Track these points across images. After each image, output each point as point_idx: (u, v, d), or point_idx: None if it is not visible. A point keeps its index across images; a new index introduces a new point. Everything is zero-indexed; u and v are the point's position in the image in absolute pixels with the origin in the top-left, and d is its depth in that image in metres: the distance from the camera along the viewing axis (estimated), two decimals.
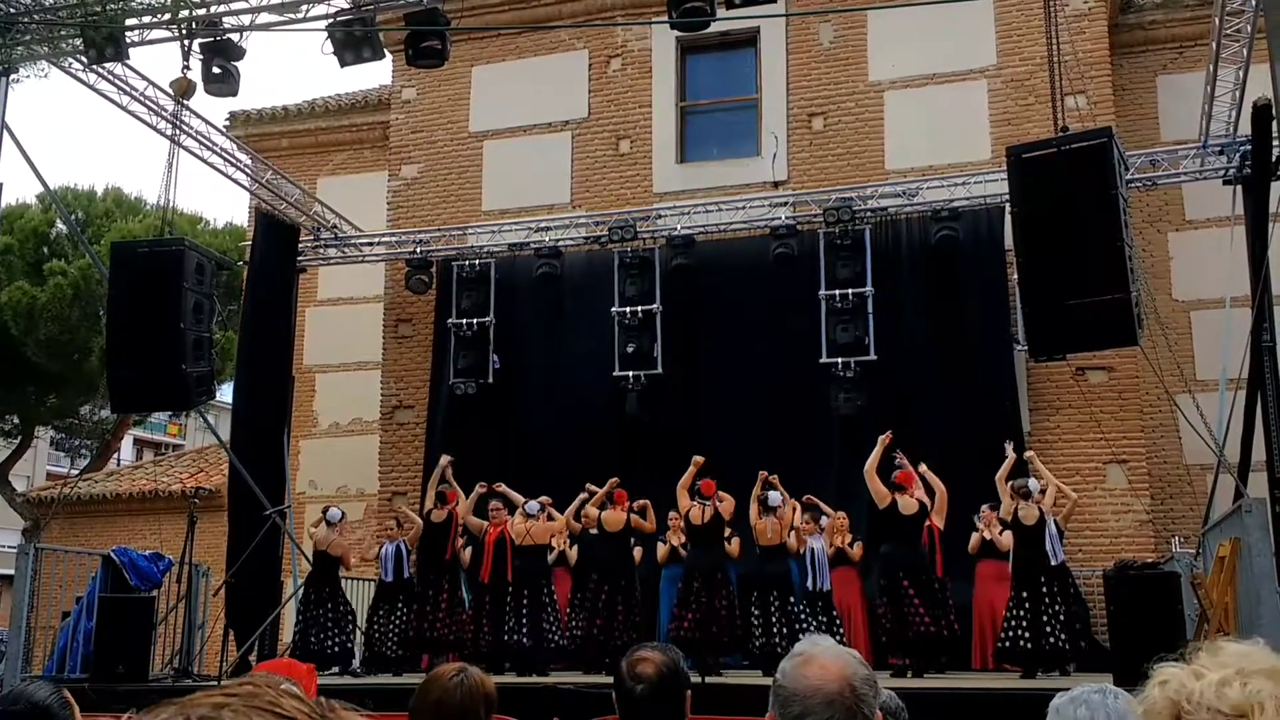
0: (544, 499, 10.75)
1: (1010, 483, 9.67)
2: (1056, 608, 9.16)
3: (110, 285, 11.53)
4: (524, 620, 9.99)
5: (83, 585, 10.91)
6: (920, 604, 9.31)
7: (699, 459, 10.09)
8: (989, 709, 7.58)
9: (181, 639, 11.09)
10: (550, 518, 10.68)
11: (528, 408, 13.28)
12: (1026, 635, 9.12)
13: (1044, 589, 9.22)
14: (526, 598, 10.08)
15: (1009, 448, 10.10)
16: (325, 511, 11.09)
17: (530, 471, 12.03)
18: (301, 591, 11.02)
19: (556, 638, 10.07)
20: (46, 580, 10.63)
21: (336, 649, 10.62)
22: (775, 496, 9.93)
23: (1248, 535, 7.99)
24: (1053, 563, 9.41)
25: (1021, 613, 9.20)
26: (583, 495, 10.65)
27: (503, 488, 10.87)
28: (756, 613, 9.63)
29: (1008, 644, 9.30)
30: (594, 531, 10.48)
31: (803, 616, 9.64)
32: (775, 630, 9.46)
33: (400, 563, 10.97)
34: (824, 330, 12.12)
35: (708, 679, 8.08)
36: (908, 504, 9.60)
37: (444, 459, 11.13)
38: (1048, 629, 9.07)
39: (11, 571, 10.82)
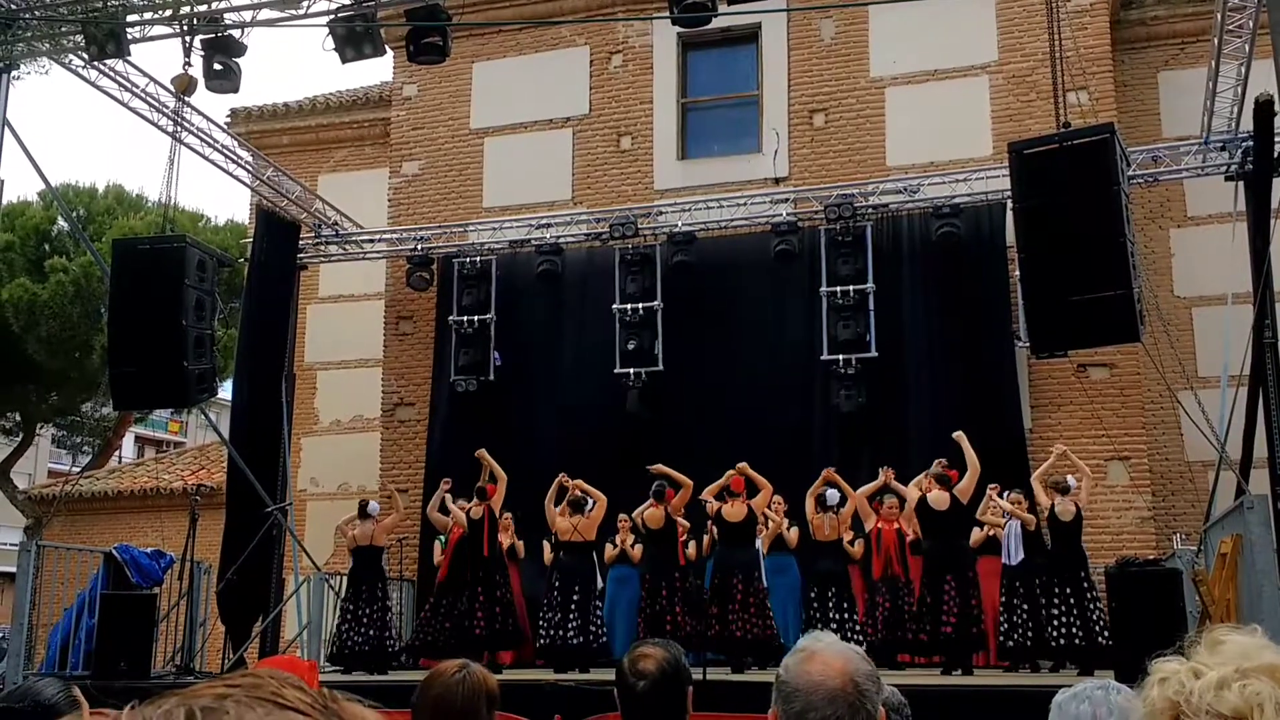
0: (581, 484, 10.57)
1: (1049, 478, 9.62)
2: (1096, 605, 9.11)
3: (112, 282, 11.53)
4: (573, 618, 9.83)
5: (84, 583, 10.90)
6: (958, 601, 9.30)
7: (736, 476, 9.95)
8: (989, 706, 7.58)
9: (183, 636, 11.10)
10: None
11: (529, 405, 13.28)
12: (1079, 634, 9.01)
13: (1085, 585, 9.16)
14: (577, 594, 9.93)
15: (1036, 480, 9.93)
16: (364, 506, 10.98)
17: (531, 468, 12.02)
18: (344, 589, 10.97)
19: (597, 635, 9.91)
20: (48, 578, 10.63)
21: (373, 646, 10.51)
22: (834, 494, 9.95)
23: (1249, 532, 7.99)
24: (1012, 563, 9.46)
25: (1067, 606, 9.10)
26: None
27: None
28: (815, 606, 9.62)
29: (1052, 642, 9.21)
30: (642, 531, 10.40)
31: (853, 610, 9.69)
32: (834, 626, 9.43)
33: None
34: (825, 327, 12.13)
35: (725, 676, 8.07)
36: (939, 499, 9.53)
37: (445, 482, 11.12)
38: (1097, 626, 9.00)
39: (13, 569, 10.82)
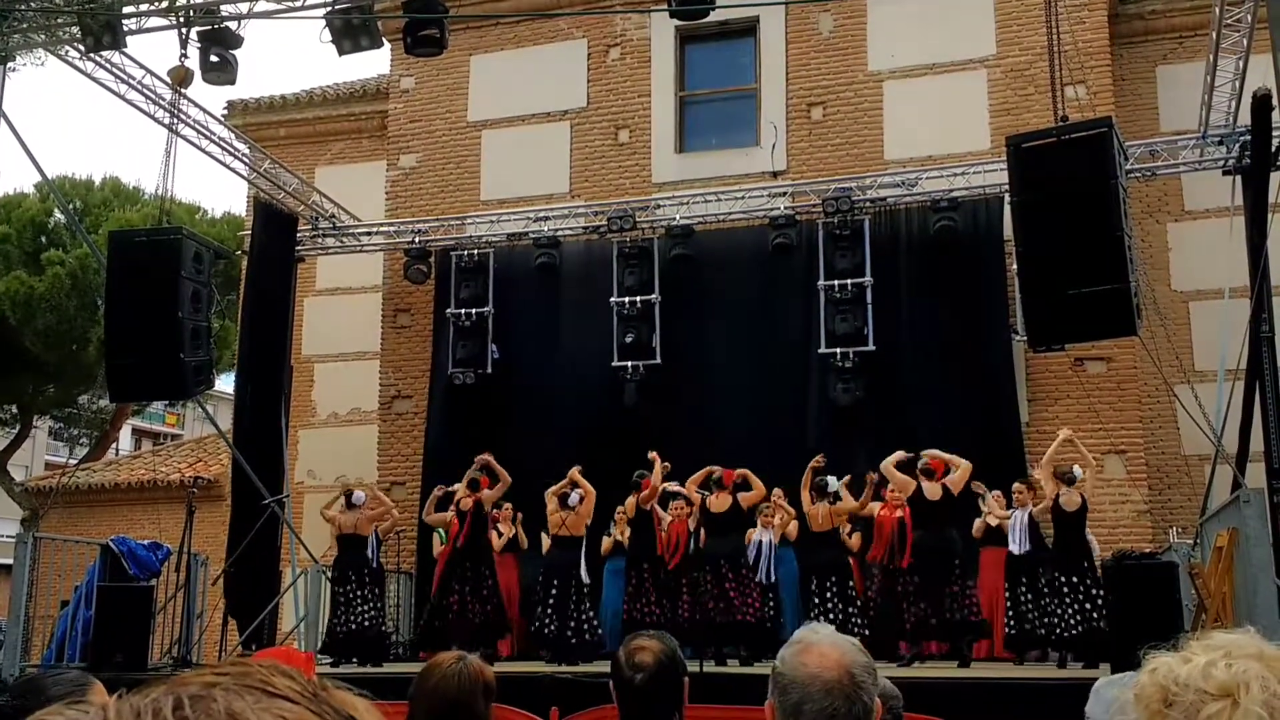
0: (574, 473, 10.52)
1: (1054, 468, 9.57)
2: (1095, 593, 9.06)
3: (108, 275, 11.52)
4: (552, 611, 9.92)
5: (81, 574, 10.91)
6: (953, 589, 9.31)
7: (714, 468, 10.14)
8: (989, 700, 7.59)
9: (180, 628, 11.11)
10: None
11: (526, 398, 13.27)
12: (1080, 626, 8.88)
13: (1090, 577, 9.06)
14: (556, 588, 10.01)
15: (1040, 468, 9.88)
16: (350, 495, 10.97)
17: (528, 462, 12.03)
18: (334, 576, 10.96)
19: (589, 630, 10.00)
20: (45, 569, 10.64)
21: (371, 631, 10.56)
22: (833, 482, 9.98)
23: (1245, 525, 8.01)
24: (1018, 552, 9.44)
25: (1075, 597, 8.96)
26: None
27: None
28: (815, 600, 9.66)
29: (1053, 635, 9.16)
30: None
31: (853, 601, 9.72)
32: (836, 617, 9.45)
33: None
34: (822, 320, 12.13)
35: (717, 668, 8.10)
36: (933, 490, 9.55)
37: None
38: (1096, 617, 8.96)
39: (10, 561, 10.83)
